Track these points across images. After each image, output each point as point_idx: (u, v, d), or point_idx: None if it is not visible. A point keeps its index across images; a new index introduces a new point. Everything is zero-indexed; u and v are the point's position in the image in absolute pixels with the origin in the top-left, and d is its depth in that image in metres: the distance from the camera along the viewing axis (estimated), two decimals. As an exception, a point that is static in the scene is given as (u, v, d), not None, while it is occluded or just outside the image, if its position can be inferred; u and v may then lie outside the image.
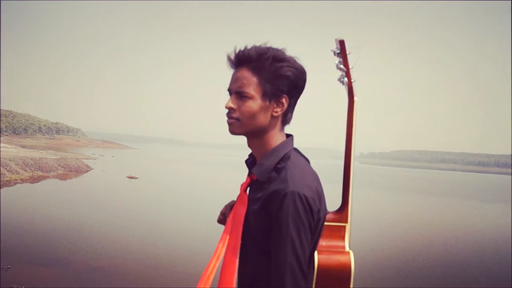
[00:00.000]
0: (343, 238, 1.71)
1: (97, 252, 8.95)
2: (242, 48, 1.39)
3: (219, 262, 1.44)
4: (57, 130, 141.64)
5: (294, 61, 1.38)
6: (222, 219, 1.61)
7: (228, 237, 1.44)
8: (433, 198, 28.02)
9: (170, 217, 14.50)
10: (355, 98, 1.82)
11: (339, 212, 1.76)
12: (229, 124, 1.40)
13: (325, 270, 1.58)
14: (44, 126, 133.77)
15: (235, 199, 1.54)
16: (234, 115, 1.39)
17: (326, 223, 1.51)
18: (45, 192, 18.55)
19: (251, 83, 1.36)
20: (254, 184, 1.45)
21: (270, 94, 1.37)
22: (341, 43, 1.72)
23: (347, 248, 1.68)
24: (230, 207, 1.58)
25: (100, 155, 55.61)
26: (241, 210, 1.43)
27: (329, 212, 1.71)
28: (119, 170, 32.33)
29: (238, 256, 1.40)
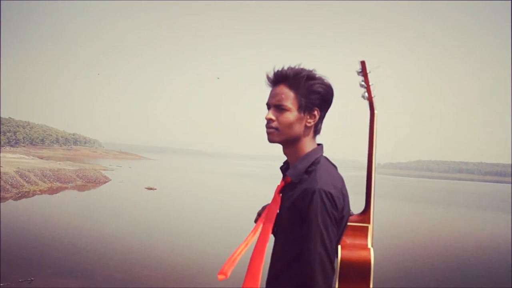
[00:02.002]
0: (366, 237, 1.86)
1: (120, 263, 8.94)
2: (280, 69, 1.61)
3: (246, 249, 1.65)
4: (75, 141, 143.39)
5: (324, 80, 1.61)
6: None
7: (259, 230, 1.64)
8: (442, 207, 27.55)
9: (191, 227, 14.44)
10: (376, 111, 2.03)
11: (362, 214, 1.93)
12: (269, 133, 1.61)
13: (347, 264, 1.70)
14: (62, 137, 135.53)
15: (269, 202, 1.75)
16: (273, 125, 1.59)
17: (350, 224, 1.76)
18: (64, 203, 18.67)
19: (289, 97, 1.58)
20: (288, 185, 1.63)
21: (305, 107, 1.59)
22: (362, 64, 1.94)
23: (369, 246, 1.83)
24: (265, 208, 1.78)
25: (118, 166, 55.96)
26: (274, 209, 1.63)
27: (353, 214, 1.87)
28: (137, 181, 32.42)
29: (266, 247, 1.59)
